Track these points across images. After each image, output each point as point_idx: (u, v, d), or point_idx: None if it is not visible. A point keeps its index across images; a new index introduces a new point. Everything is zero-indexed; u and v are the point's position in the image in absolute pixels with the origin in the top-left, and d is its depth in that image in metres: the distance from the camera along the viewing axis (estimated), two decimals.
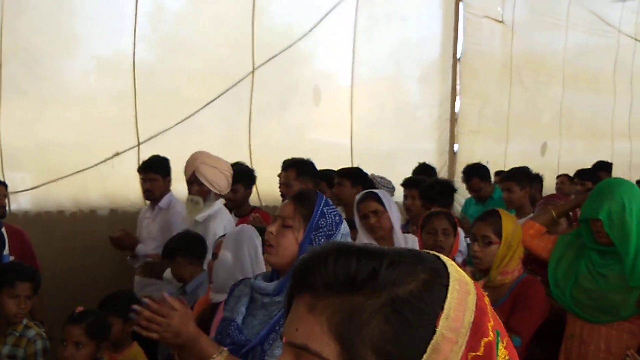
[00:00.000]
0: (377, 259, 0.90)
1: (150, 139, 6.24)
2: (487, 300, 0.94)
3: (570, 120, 10.08)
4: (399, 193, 6.23)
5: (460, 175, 8.75)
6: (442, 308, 0.88)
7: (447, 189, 5.53)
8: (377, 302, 0.88)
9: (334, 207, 2.60)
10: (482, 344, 0.89)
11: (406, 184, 6.02)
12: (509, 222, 3.70)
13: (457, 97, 9.01)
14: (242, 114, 6.91)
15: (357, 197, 4.54)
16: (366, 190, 4.57)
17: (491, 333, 0.90)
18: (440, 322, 0.87)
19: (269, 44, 6.95)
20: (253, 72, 6.84)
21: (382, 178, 6.32)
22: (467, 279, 0.93)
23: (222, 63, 6.72)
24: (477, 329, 0.89)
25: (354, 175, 5.67)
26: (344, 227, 2.52)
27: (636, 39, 10.77)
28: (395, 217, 4.37)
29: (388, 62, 8.21)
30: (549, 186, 8.16)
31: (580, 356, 3.54)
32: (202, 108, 6.53)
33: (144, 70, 6.23)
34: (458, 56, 8.94)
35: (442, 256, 0.95)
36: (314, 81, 7.49)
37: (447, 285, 0.90)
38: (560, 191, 7.66)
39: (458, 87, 9.00)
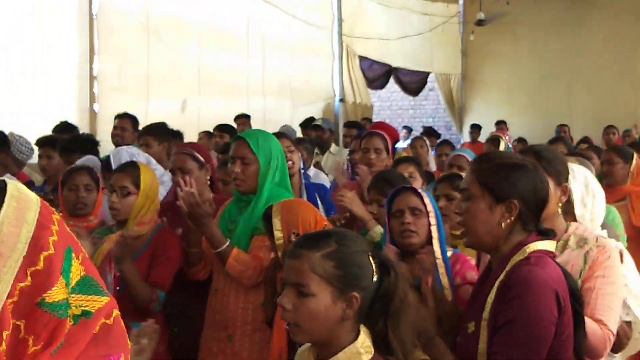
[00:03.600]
0: None
1: None
2: (56, 217, 0.95)
3: (208, 79, 10.38)
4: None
5: (102, 134, 8.64)
6: None
7: (89, 143, 5.43)
8: None
9: None
10: (41, 257, 0.90)
11: (41, 142, 5.77)
12: (147, 174, 3.75)
13: (95, 56, 8.79)
14: None
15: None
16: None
17: (52, 247, 0.91)
18: None
19: None
20: None
21: (20, 137, 6.04)
22: (32, 198, 0.94)
23: None
24: (36, 244, 0.90)
25: None
26: None
27: (266, 2, 11.36)
28: None
29: (23, 19, 7.75)
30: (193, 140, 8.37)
31: (223, 308, 3.66)
32: None
33: None
34: (94, 13, 8.70)
35: (6, 179, 0.95)
36: None
37: (2, 202, 0.90)
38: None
39: (96, 44, 8.78)
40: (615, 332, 2.69)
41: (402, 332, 1.95)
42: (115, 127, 6.78)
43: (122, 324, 0.98)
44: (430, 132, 11.35)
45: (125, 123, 6.64)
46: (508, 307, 2.22)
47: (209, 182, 4.08)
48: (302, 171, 4.66)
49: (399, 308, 1.94)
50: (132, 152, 5.03)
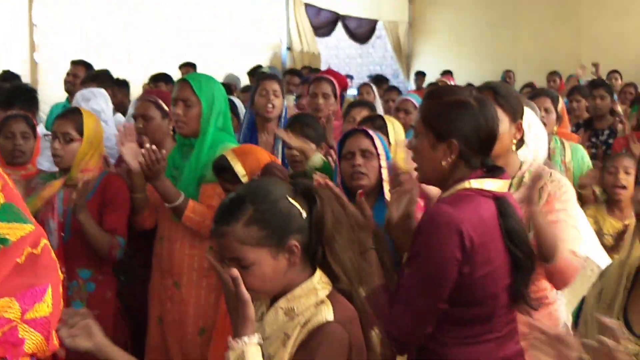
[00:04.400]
0: None
1: None
2: None
3: (155, 27, 10.26)
4: None
5: (44, 84, 8.49)
6: None
7: (27, 92, 5.31)
8: None
9: None
10: None
11: None
12: (90, 120, 3.69)
13: (35, 3, 8.57)
14: None
15: None
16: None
17: None
18: None
19: None
20: None
21: None
22: None
23: None
24: None
25: None
26: None
27: None
28: None
29: None
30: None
31: (169, 256, 3.66)
32: None
33: None
34: None
35: None
36: None
37: None
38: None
39: None
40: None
41: (339, 253, 1.95)
42: (68, 74, 6.68)
43: (52, 254, 0.93)
44: (378, 79, 11.29)
45: (79, 70, 6.56)
46: (412, 243, 2.31)
47: (172, 132, 3.98)
48: (283, 120, 4.59)
49: (332, 231, 1.94)
50: (85, 93, 4.92)
